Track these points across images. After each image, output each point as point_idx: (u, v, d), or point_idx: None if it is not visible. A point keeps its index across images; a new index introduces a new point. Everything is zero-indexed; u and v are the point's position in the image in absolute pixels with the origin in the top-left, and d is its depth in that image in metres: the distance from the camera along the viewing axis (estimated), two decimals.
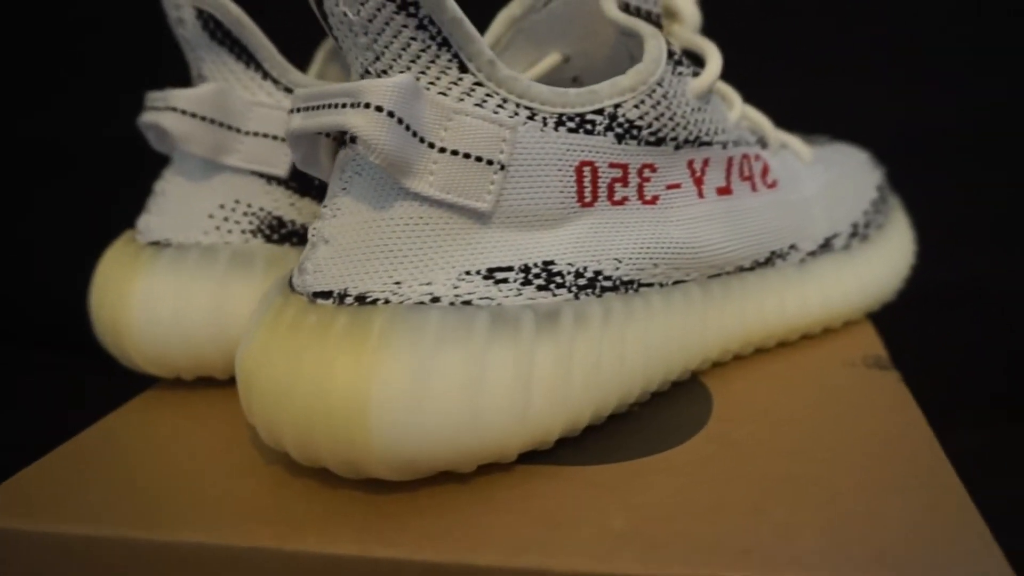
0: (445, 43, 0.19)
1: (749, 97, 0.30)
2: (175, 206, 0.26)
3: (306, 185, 0.27)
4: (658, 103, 0.22)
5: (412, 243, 0.19)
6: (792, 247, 0.26)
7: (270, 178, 0.26)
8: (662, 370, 0.23)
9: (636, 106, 0.21)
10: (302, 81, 0.26)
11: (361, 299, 0.19)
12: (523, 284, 0.20)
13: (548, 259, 0.20)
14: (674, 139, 0.23)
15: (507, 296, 0.19)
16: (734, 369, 0.25)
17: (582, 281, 0.21)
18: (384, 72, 0.19)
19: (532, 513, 0.18)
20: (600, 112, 0.21)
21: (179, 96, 0.25)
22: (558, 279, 0.20)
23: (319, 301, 0.19)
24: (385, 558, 0.17)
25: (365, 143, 0.18)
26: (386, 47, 0.19)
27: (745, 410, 0.23)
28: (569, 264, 0.20)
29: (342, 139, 0.20)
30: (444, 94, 0.19)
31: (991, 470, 0.20)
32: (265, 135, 0.26)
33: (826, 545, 0.17)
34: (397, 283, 0.19)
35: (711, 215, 0.24)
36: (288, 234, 0.27)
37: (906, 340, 0.27)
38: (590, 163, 0.21)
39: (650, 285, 0.22)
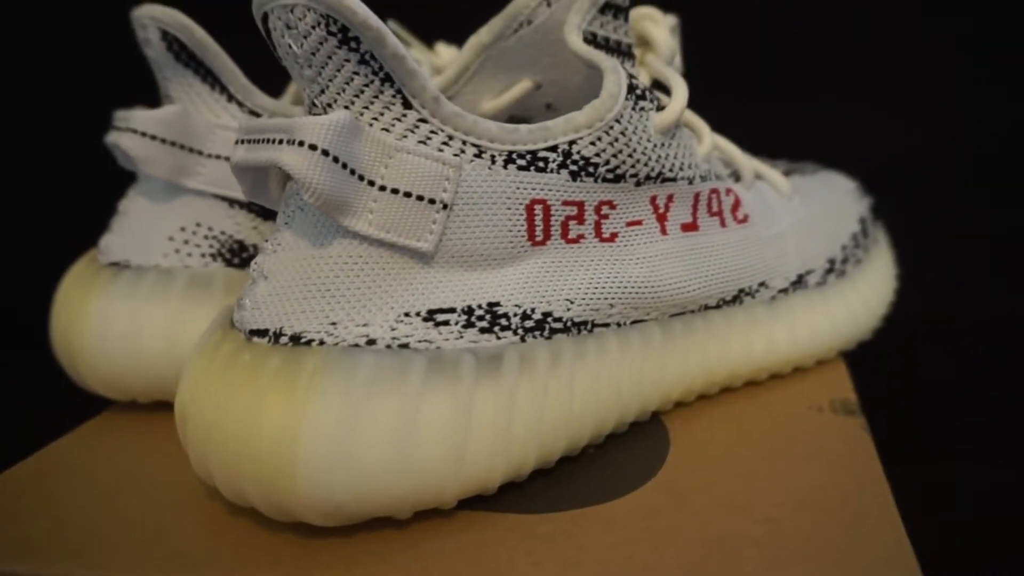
0: (388, 79, 0.18)
1: (736, 119, 0.29)
2: (136, 227, 0.26)
3: (268, 209, 0.26)
4: (616, 139, 0.21)
5: (350, 283, 0.19)
6: (762, 284, 0.26)
7: (232, 201, 0.26)
8: (615, 413, 0.22)
9: (592, 143, 0.21)
10: (268, 105, 0.26)
11: (296, 339, 0.18)
12: (465, 326, 0.19)
13: (494, 300, 0.20)
14: (634, 176, 0.22)
15: (447, 339, 0.19)
16: (697, 409, 0.25)
17: (529, 323, 0.20)
18: (329, 106, 0.19)
19: (466, 563, 0.18)
20: (554, 149, 0.20)
21: (140, 117, 0.25)
22: (503, 321, 0.20)
23: (255, 339, 0.19)
24: None
25: (300, 182, 0.17)
26: (330, 81, 0.18)
27: (700, 457, 0.22)
28: (516, 305, 0.20)
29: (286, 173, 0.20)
30: (387, 130, 0.19)
31: (949, 510, 0.19)
32: (228, 158, 0.26)
33: None
34: (333, 324, 0.18)
35: (674, 252, 0.23)
36: (249, 258, 0.26)
37: (875, 372, 0.26)
38: (542, 201, 0.20)
39: (606, 325, 0.22)
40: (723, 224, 0.25)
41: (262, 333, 0.19)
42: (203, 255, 0.26)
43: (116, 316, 0.25)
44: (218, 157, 0.26)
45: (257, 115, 0.26)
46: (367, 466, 0.18)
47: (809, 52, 0.42)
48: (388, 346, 0.18)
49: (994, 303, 0.39)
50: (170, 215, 0.26)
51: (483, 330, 0.19)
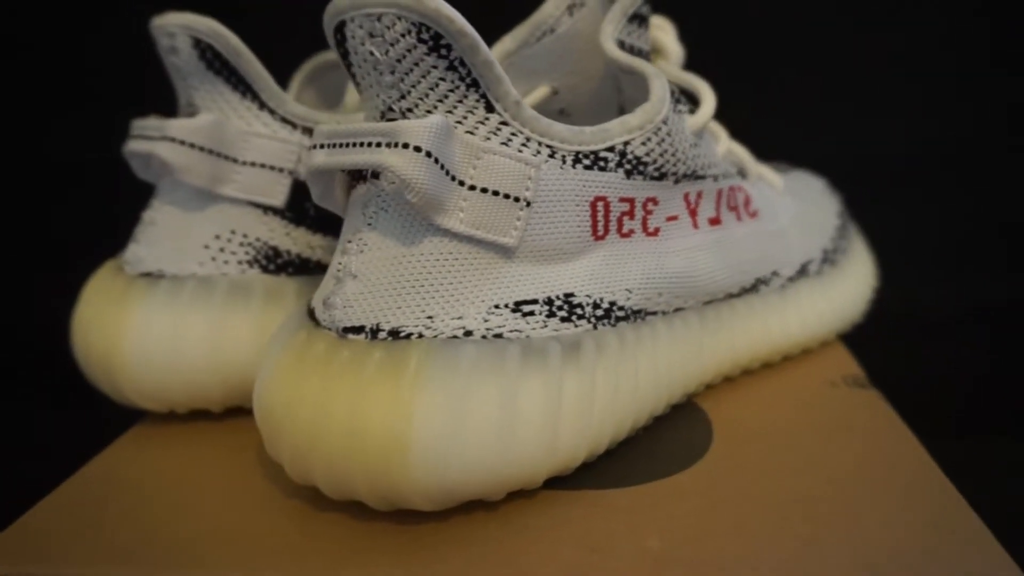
0: (474, 84, 0.19)
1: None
2: (168, 236, 0.25)
3: (301, 215, 0.27)
4: (662, 140, 0.23)
5: (443, 278, 0.19)
6: (774, 273, 0.28)
7: (266, 208, 0.26)
8: (666, 395, 0.24)
9: (643, 143, 0.23)
10: (300, 112, 0.26)
11: (395, 334, 0.19)
12: (548, 316, 0.20)
13: (569, 291, 0.21)
14: (674, 174, 0.24)
15: (534, 328, 0.20)
16: (725, 391, 0.27)
17: (599, 312, 0.22)
18: (409, 111, 0.19)
19: (567, 538, 0.19)
20: (611, 149, 0.22)
21: (177, 126, 0.25)
22: (579, 311, 0.21)
23: (350, 336, 0.19)
24: None
25: (403, 182, 0.18)
26: (413, 86, 0.19)
27: (742, 431, 0.24)
28: (587, 296, 0.21)
29: (358, 175, 0.21)
30: (471, 133, 0.20)
31: (972, 478, 0.22)
32: (262, 165, 0.26)
33: (851, 557, 0.18)
34: (430, 317, 0.19)
35: (704, 245, 0.25)
36: (284, 264, 0.26)
37: (872, 362, 0.29)
38: (603, 198, 0.22)
39: (654, 313, 0.23)
40: (739, 218, 0.27)
41: (357, 330, 0.19)
42: (239, 262, 0.26)
43: (157, 327, 0.24)
44: (252, 164, 0.26)
45: (290, 123, 0.26)
46: (474, 451, 0.18)
47: (770, 57, 0.45)
48: (484, 336, 0.19)
49: (967, 289, 0.43)
50: (204, 223, 0.26)
51: (563, 319, 0.21)
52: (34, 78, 0.48)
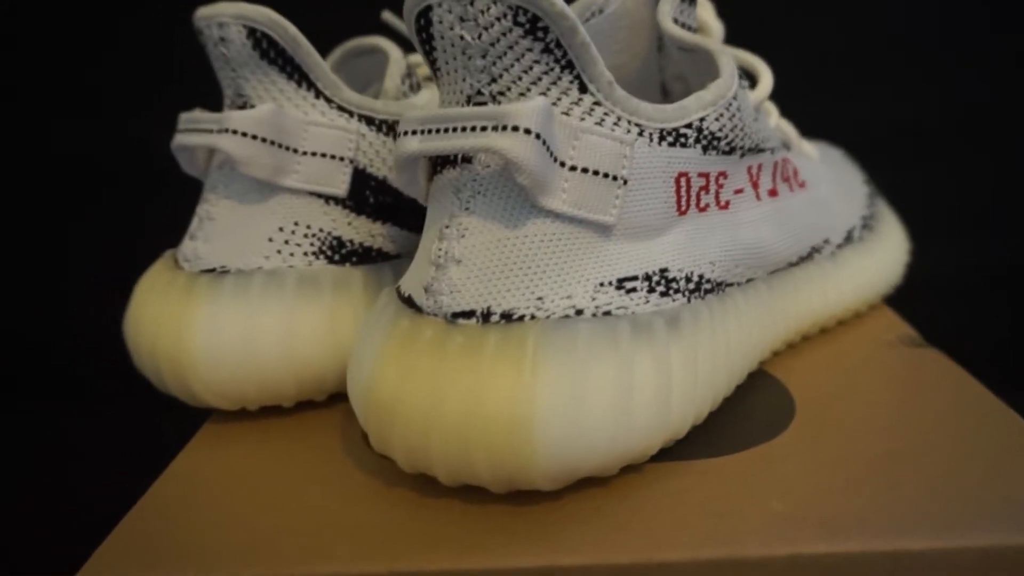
0: (569, 65, 0.19)
1: None
2: (229, 231, 0.25)
3: (361, 204, 0.26)
4: (733, 115, 0.23)
5: (549, 259, 0.20)
6: (825, 241, 0.29)
7: (328, 198, 0.26)
8: (748, 363, 0.24)
9: (716, 119, 0.23)
10: (355, 100, 0.26)
11: (507, 316, 0.19)
12: (648, 292, 0.21)
13: (663, 267, 0.21)
14: (741, 147, 0.24)
15: (638, 304, 0.20)
16: (792, 358, 0.27)
17: (691, 285, 0.22)
18: (501, 94, 0.19)
19: (690, 507, 0.19)
20: (690, 126, 0.22)
21: (238, 118, 0.24)
22: (674, 285, 0.21)
23: (460, 321, 0.19)
24: (575, 565, 0.18)
25: (514, 165, 0.18)
26: (506, 70, 0.19)
27: (820, 395, 0.25)
28: (679, 270, 0.22)
29: (444, 161, 0.20)
30: (566, 114, 0.20)
31: None
32: (323, 155, 0.25)
33: (961, 509, 0.19)
34: (539, 298, 0.19)
35: (767, 216, 0.26)
36: (348, 254, 0.26)
37: (915, 323, 0.30)
38: (685, 174, 0.22)
39: (732, 285, 0.24)
40: (791, 189, 0.28)
41: (468, 314, 0.19)
42: (305, 254, 0.25)
43: (228, 324, 0.24)
44: (313, 154, 0.25)
45: (347, 111, 0.26)
46: (594, 429, 0.19)
47: (778, 29, 0.46)
48: (594, 315, 0.20)
49: (991, 252, 0.44)
50: (266, 216, 0.25)
51: (662, 294, 0.21)
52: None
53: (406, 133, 0.20)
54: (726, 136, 0.23)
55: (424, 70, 0.34)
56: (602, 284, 0.20)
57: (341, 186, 0.26)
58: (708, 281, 0.23)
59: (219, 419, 0.26)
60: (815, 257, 0.28)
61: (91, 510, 0.24)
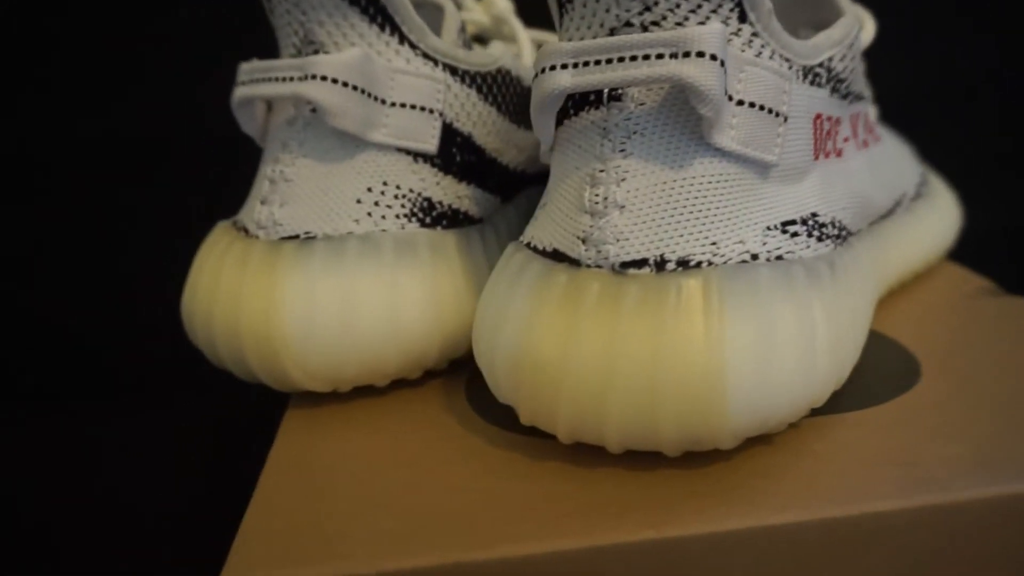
0: None
1: None
2: (310, 194, 0.22)
3: (449, 162, 0.24)
4: (853, 57, 0.23)
5: (719, 201, 0.18)
6: (903, 194, 0.29)
7: (416, 155, 0.23)
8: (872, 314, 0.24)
9: (841, 59, 0.22)
10: (439, 46, 0.24)
11: (683, 263, 0.18)
12: (807, 236, 0.20)
13: (813, 211, 0.20)
14: (851, 93, 0.23)
15: (803, 249, 0.19)
16: (886, 312, 0.27)
17: (835, 231, 0.21)
18: (655, 23, 0.18)
19: (873, 458, 0.18)
20: (822, 65, 0.21)
21: (326, 62, 0.21)
22: (825, 230, 0.20)
23: (631, 271, 0.18)
24: (790, 523, 0.16)
25: (700, 95, 0.17)
26: None
27: (934, 347, 0.24)
28: (825, 215, 0.21)
29: (583, 101, 0.19)
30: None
31: None
32: (412, 106, 0.23)
33: None
34: (714, 243, 0.18)
35: (867, 165, 0.25)
36: (439, 216, 0.24)
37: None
38: (820, 115, 0.21)
39: (853, 234, 0.23)
40: (876, 140, 0.27)
41: (639, 263, 0.18)
42: (397, 216, 0.23)
43: (324, 295, 0.21)
44: (402, 105, 0.23)
45: (432, 59, 0.24)
46: (783, 380, 0.17)
47: None
48: (767, 259, 0.18)
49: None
50: (351, 175, 0.23)
51: (818, 239, 0.20)
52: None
53: (553, 68, 0.18)
54: (846, 79, 0.23)
55: (473, 28, 0.32)
56: (769, 228, 0.19)
57: (431, 141, 0.24)
58: (845, 228, 0.22)
59: (302, 404, 0.23)
60: (897, 210, 0.28)
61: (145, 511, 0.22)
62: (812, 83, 0.21)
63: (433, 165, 0.24)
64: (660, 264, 0.18)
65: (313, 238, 0.22)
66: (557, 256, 0.19)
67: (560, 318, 0.18)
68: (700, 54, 0.17)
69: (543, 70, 0.18)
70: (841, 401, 0.21)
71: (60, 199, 0.43)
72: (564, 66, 0.18)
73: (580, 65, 0.18)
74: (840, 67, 0.22)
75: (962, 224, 0.32)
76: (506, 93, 0.26)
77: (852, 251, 0.22)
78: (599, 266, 0.18)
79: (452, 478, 0.19)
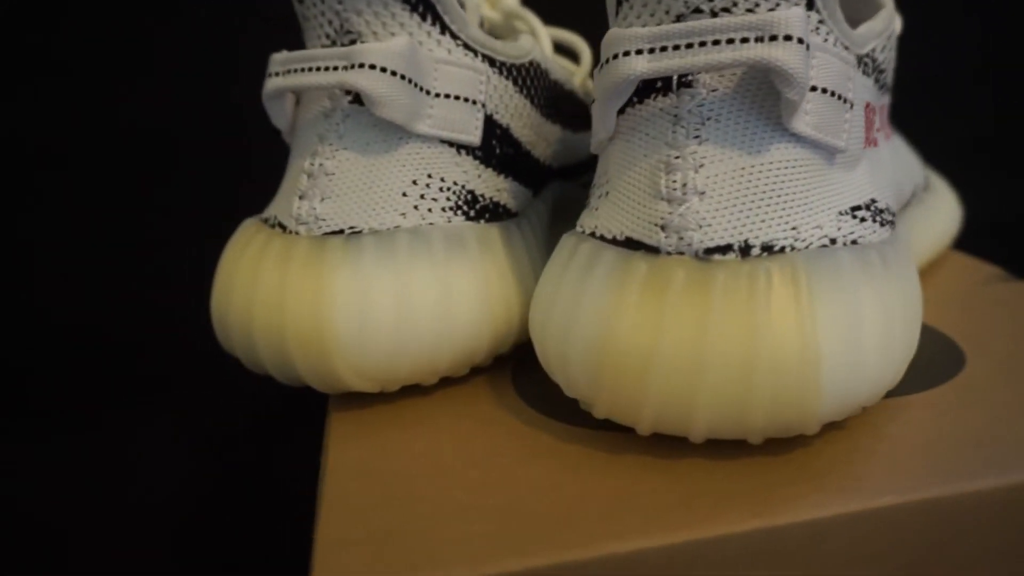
0: None
1: None
2: (354, 187, 0.21)
3: (489, 155, 0.24)
4: (891, 49, 0.23)
5: (795, 186, 0.18)
6: (917, 184, 0.29)
7: (460, 147, 0.23)
8: None
9: (881, 50, 0.22)
10: (478, 36, 0.23)
11: (768, 248, 0.17)
12: (872, 221, 0.20)
13: (872, 197, 0.20)
14: (885, 84, 0.24)
15: (872, 234, 0.19)
16: None
17: (891, 217, 0.21)
18: (725, 10, 0.18)
19: (941, 439, 0.19)
20: (868, 55, 0.22)
21: (373, 51, 0.21)
22: (884, 216, 0.21)
23: (716, 257, 0.17)
24: (889, 506, 0.16)
25: (789, 79, 0.17)
26: None
27: (970, 331, 0.25)
28: (882, 201, 0.21)
29: (651, 88, 0.19)
30: None
31: None
32: (456, 97, 0.22)
33: None
34: (794, 228, 0.18)
35: (892, 156, 0.26)
36: (482, 209, 0.23)
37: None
38: (869, 104, 0.22)
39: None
40: (892, 132, 0.28)
41: (724, 249, 0.17)
42: (444, 210, 0.22)
43: (377, 293, 0.20)
44: (446, 96, 0.22)
45: (472, 49, 0.23)
46: (869, 364, 0.18)
47: None
48: (844, 244, 0.18)
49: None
50: (396, 168, 0.22)
51: (881, 224, 0.20)
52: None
53: (627, 53, 0.18)
54: (885, 70, 0.23)
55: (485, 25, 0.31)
56: (841, 212, 0.19)
57: (475, 132, 0.23)
58: (892, 214, 0.22)
59: (346, 406, 0.22)
60: (911, 201, 0.29)
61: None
62: (863, 72, 0.21)
63: (475, 157, 0.23)
64: (745, 250, 0.17)
65: (359, 233, 0.21)
66: (631, 244, 0.18)
67: (644, 307, 0.17)
68: (788, 37, 0.17)
69: (614, 56, 0.18)
70: (899, 384, 0.21)
71: (60, 199, 0.41)
72: (639, 52, 0.18)
73: (657, 51, 0.18)
74: (881, 58, 0.22)
75: (964, 213, 0.34)
76: (537, 86, 0.26)
77: (901, 236, 0.23)
78: (681, 252, 0.18)
79: (530, 476, 0.18)
